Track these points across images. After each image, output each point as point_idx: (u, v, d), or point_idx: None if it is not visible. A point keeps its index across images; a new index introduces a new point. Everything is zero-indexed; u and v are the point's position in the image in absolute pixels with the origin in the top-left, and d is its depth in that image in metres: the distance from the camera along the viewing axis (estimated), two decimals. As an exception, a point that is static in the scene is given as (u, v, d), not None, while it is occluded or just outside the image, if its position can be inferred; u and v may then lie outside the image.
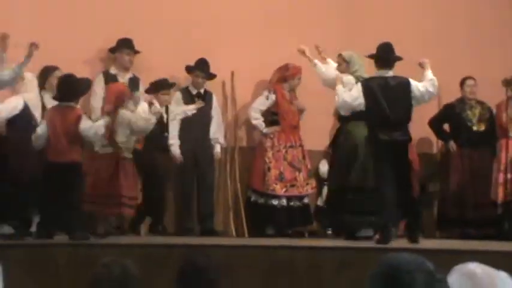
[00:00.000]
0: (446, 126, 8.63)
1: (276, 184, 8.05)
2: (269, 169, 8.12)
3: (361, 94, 6.88)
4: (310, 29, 8.46)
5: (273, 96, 8.29)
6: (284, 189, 8.06)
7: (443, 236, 8.29)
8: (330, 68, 7.64)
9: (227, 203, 8.32)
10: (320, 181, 8.37)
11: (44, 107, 7.18)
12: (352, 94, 7.00)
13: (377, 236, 6.75)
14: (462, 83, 8.49)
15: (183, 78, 8.39)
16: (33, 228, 6.63)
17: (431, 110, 8.35)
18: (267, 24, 8.51)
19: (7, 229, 6.35)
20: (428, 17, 8.90)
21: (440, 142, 8.80)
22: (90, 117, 7.06)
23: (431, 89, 6.88)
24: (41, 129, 6.62)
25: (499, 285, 2.62)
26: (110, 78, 7.94)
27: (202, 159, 8.11)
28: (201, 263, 3.29)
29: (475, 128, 8.41)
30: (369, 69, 7.34)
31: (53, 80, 7.17)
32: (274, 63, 8.24)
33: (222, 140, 8.29)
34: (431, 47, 8.40)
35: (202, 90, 8.24)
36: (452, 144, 8.46)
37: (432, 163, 8.73)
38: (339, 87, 7.13)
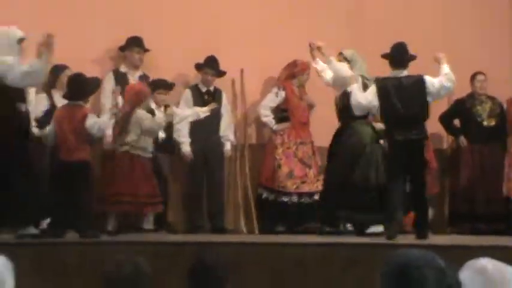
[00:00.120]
0: (456, 122, 8.61)
1: (287, 181, 8.06)
2: (279, 166, 8.12)
3: (375, 95, 6.89)
4: (319, 26, 8.45)
5: (282, 93, 8.30)
6: (295, 186, 8.07)
7: (454, 231, 8.27)
8: (343, 65, 7.56)
9: (237, 200, 8.33)
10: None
11: (54, 106, 7.20)
12: (366, 95, 7.00)
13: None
14: (472, 78, 8.48)
15: (192, 76, 8.40)
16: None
17: (442, 105, 8.33)
18: (275, 22, 8.50)
19: (31, 229, 6.33)
20: (438, 12, 8.88)
21: (450, 137, 8.78)
22: (98, 116, 7.08)
23: (447, 84, 6.86)
24: (49, 128, 6.66)
25: (511, 281, 2.61)
26: (119, 77, 7.95)
27: (212, 157, 8.11)
28: (211, 261, 3.30)
29: (485, 123, 8.39)
30: (370, 68, 7.33)
31: (64, 79, 7.19)
32: (283, 60, 8.23)
33: (232, 137, 8.29)
34: (441, 41, 8.38)
35: (211, 88, 8.24)
36: (462, 140, 8.44)
37: (442, 159, 8.71)
38: (355, 87, 7.12)
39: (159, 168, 7.62)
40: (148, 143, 7.06)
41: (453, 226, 8.41)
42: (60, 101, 7.08)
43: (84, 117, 6.60)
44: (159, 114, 7.29)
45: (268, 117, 8.33)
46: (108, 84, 7.80)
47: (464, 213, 8.28)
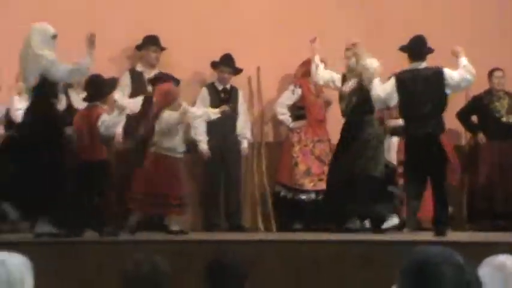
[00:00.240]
0: (474, 119, 8.57)
1: (304, 179, 8.05)
2: (296, 164, 8.12)
3: (394, 88, 6.89)
4: (334, 24, 8.43)
5: (298, 91, 8.30)
6: (312, 184, 8.07)
7: (472, 228, 8.24)
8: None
9: (254, 198, 8.33)
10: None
11: (71, 105, 7.23)
12: (385, 88, 6.99)
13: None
14: (490, 74, 8.44)
15: (208, 75, 8.41)
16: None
17: (460, 102, 8.30)
18: (292, 19, 8.49)
19: (47, 228, 6.37)
20: (457, 8, 8.83)
21: (468, 134, 8.74)
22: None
23: (467, 76, 6.86)
24: (69, 129, 6.73)
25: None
26: (136, 76, 7.98)
27: (229, 155, 8.12)
28: (228, 259, 3.30)
29: (504, 120, 8.35)
30: (387, 63, 7.33)
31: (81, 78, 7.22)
32: (299, 57, 8.22)
33: (248, 135, 8.30)
34: (459, 38, 8.32)
35: (228, 86, 8.24)
36: (481, 137, 8.40)
37: (461, 155, 8.67)
38: (376, 81, 7.11)
39: None
40: (175, 143, 6.98)
41: (472, 223, 8.37)
42: (76, 101, 7.12)
43: (98, 117, 6.63)
44: (173, 113, 7.23)
45: (284, 115, 8.33)
46: (123, 82, 7.83)
47: (483, 210, 8.24)
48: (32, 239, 6.30)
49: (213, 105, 7.94)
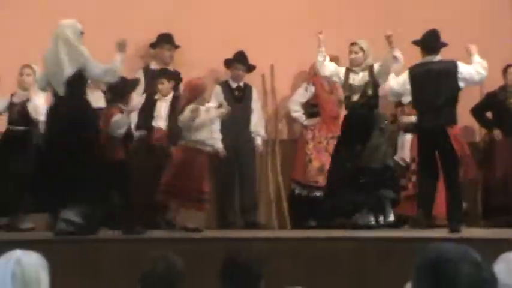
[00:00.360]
0: (488, 115, 8.53)
1: (319, 175, 8.05)
2: (310, 161, 8.12)
3: (407, 80, 6.92)
4: (347, 20, 8.43)
5: (312, 88, 8.29)
6: (326, 181, 8.05)
7: (488, 225, 8.21)
8: (332, 63, 7.52)
9: (269, 195, 8.34)
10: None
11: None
12: (398, 80, 7.04)
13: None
14: (505, 70, 8.41)
15: (222, 72, 8.42)
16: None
17: (474, 98, 8.27)
18: (305, 16, 8.48)
19: (73, 217, 6.37)
20: (470, 4, 8.80)
21: (483, 130, 8.71)
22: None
23: (481, 70, 6.91)
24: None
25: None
26: (150, 74, 7.99)
27: (243, 152, 8.12)
28: (244, 257, 3.31)
29: (519, 116, 8.31)
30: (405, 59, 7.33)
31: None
32: (313, 55, 8.18)
33: (262, 132, 8.30)
34: (473, 34, 8.29)
35: (241, 84, 8.25)
36: (497, 133, 8.37)
37: (475, 151, 8.63)
38: (391, 74, 7.16)
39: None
40: (204, 136, 6.91)
41: (487, 219, 8.34)
42: (92, 99, 7.13)
43: (112, 117, 6.66)
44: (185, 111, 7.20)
45: (298, 113, 8.32)
46: (138, 80, 7.85)
47: (498, 206, 8.21)
48: (48, 237, 6.32)
49: (227, 103, 7.93)
